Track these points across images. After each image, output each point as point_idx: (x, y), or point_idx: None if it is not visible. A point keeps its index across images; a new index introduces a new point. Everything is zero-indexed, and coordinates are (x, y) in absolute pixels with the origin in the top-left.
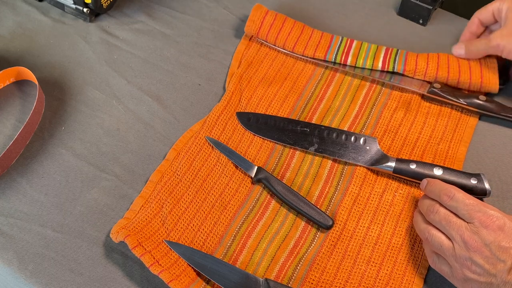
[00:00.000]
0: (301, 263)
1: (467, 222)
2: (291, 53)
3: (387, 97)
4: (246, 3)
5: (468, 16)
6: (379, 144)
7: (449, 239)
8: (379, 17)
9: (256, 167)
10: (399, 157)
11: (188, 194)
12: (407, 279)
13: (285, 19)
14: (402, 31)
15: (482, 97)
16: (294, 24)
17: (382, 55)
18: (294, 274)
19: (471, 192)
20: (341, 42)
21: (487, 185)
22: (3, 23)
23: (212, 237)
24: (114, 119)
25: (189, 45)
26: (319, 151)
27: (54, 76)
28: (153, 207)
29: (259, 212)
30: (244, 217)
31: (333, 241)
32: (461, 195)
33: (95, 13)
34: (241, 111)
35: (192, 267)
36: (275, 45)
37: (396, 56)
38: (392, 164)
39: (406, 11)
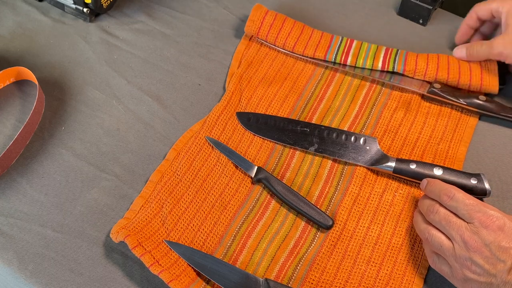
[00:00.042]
0: (301, 263)
1: (467, 222)
2: (291, 53)
3: (387, 97)
4: (246, 3)
5: None
6: (379, 144)
7: (449, 239)
8: (379, 17)
9: (256, 167)
10: (399, 157)
11: (188, 194)
12: (407, 279)
13: (285, 19)
14: (402, 31)
15: (482, 97)
16: (294, 24)
17: (382, 55)
18: (294, 274)
19: (471, 192)
20: (341, 42)
21: (487, 185)
22: (3, 23)
23: (212, 237)
24: (114, 119)
25: (189, 45)
26: (319, 151)
27: (54, 76)
28: (153, 207)
29: (259, 212)
30: (244, 217)
31: (333, 241)
32: (461, 195)
33: (95, 13)
34: (241, 111)
35: (192, 267)
36: (275, 45)
37: (396, 56)
38: (392, 164)
39: (406, 11)
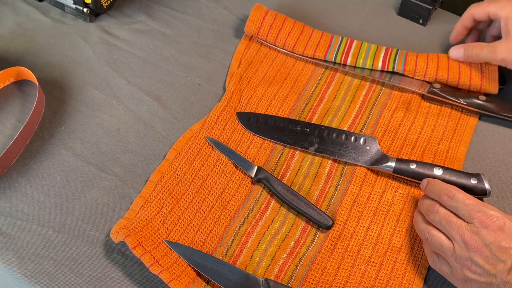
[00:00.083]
0: (301, 263)
1: (467, 222)
2: (291, 53)
3: (387, 97)
4: (246, 3)
5: None
6: (379, 144)
7: (449, 239)
8: (379, 17)
9: (256, 167)
10: (399, 157)
11: (188, 194)
12: (407, 279)
13: (285, 19)
14: (402, 31)
15: (482, 97)
16: (294, 24)
17: (382, 55)
18: (294, 274)
19: (471, 192)
20: (341, 42)
21: (487, 185)
22: (3, 23)
23: (212, 237)
24: (114, 119)
25: (189, 45)
26: (319, 151)
27: (54, 76)
28: (153, 207)
29: (259, 212)
30: (244, 217)
31: (333, 241)
32: (461, 195)
33: (95, 13)
34: (241, 111)
35: (192, 267)
36: (275, 45)
37: (396, 56)
38: (392, 164)
39: (406, 11)
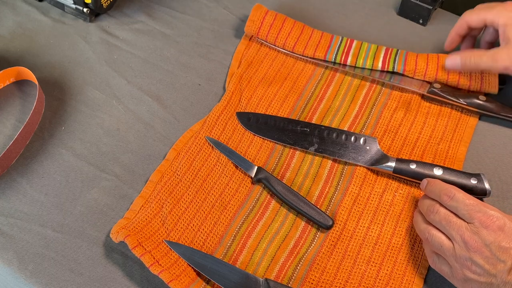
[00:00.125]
0: (301, 263)
1: (467, 222)
2: (291, 53)
3: (387, 97)
4: (246, 3)
5: None
6: (379, 144)
7: (449, 239)
8: (379, 17)
9: (256, 167)
10: (399, 157)
11: (188, 194)
12: (407, 279)
13: (285, 19)
14: (402, 31)
15: (482, 97)
16: (294, 24)
17: (382, 55)
18: (294, 274)
19: (471, 192)
20: (341, 42)
21: (487, 185)
22: (3, 23)
23: (212, 237)
24: (114, 119)
25: (189, 45)
26: (319, 151)
27: (54, 76)
28: (153, 207)
29: (259, 212)
30: (244, 217)
31: (333, 241)
32: (461, 195)
33: (95, 13)
34: (241, 111)
35: (192, 267)
36: (275, 45)
37: (396, 56)
38: (392, 164)
39: (406, 11)
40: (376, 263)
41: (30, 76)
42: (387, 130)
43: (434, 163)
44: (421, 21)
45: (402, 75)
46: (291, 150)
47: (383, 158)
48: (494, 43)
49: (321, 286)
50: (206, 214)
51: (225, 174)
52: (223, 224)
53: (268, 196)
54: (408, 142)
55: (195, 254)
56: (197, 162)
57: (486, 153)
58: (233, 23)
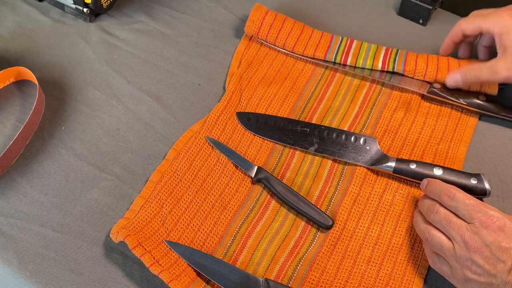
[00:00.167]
0: (301, 263)
1: (468, 223)
2: (291, 53)
3: (387, 97)
4: (246, 3)
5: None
6: (379, 144)
7: (449, 239)
8: (379, 17)
9: (256, 167)
10: (399, 157)
11: (188, 194)
12: (407, 279)
13: (285, 19)
14: (402, 31)
15: (482, 97)
16: (294, 24)
17: (382, 55)
18: (294, 274)
19: (471, 192)
20: (341, 42)
21: (487, 185)
22: (3, 23)
23: (212, 237)
24: (114, 119)
25: (189, 45)
26: (319, 151)
27: (54, 76)
28: (153, 207)
29: (259, 212)
30: (244, 217)
31: (333, 241)
32: (461, 195)
33: (95, 13)
34: (241, 111)
35: (192, 267)
36: (275, 45)
37: (396, 56)
38: (392, 164)
39: (406, 11)
40: (376, 263)
41: (30, 76)
42: (387, 130)
43: (434, 163)
44: (421, 21)
45: (402, 75)
46: (291, 150)
47: (383, 158)
48: (491, 47)
49: (321, 286)
50: (206, 214)
51: (225, 174)
52: (223, 224)
53: (268, 196)
54: (408, 142)
55: (195, 254)
56: (197, 162)
57: (486, 153)
58: (233, 23)
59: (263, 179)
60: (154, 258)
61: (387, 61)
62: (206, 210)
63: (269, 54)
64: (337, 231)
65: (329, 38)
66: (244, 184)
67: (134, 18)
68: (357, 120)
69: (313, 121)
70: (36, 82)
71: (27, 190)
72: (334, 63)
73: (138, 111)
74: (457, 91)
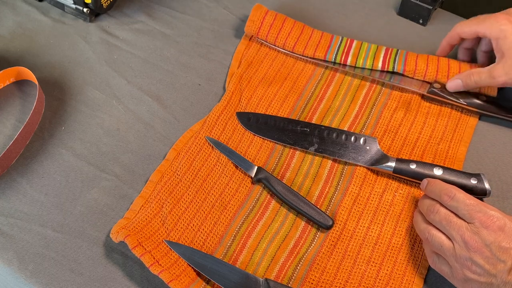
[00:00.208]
0: (301, 263)
1: (468, 222)
2: (291, 53)
3: (387, 97)
4: (246, 3)
5: (468, 16)
6: (379, 144)
7: (450, 239)
8: (379, 17)
9: (256, 167)
10: (399, 157)
11: (188, 194)
12: (407, 279)
13: (285, 19)
14: (402, 31)
15: (482, 97)
16: (294, 24)
17: (382, 55)
18: (294, 274)
19: (471, 192)
20: (341, 42)
21: (487, 185)
22: (3, 23)
23: (212, 237)
24: (114, 119)
25: (189, 45)
26: (319, 151)
27: (54, 76)
28: (153, 207)
29: (259, 212)
30: (244, 217)
31: (333, 241)
32: (461, 195)
33: (95, 13)
34: (241, 111)
35: (192, 267)
36: (275, 45)
37: (396, 56)
38: (392, 164)
39: (406, 11)
40: (376, 263)
41: (30, 76)
42: (387, 130)
43: (434, 163)
44: (421, 21)
45: (402, 75)
46: (291, 150)
47: (383, 158)
48: (490, 52)
49: (321, 286)
50: (206, 214)
51: (225, 174)
52: (223, 224)
53: (268, 196)
54: (408, 142)
55: (195, 254)
56: (197, 162)
57: (486, 153)
58: (233, 23)
59: (263, 179)
60: (154, 258)
61: (387, 61)
62: (206, 210)
63: (269, 54)
64: (337, 231)
65: (329, 38)
66: (244, 184)
67: (134, 18)
68: (357, 120)
69: (313, 121)
70: (36, 82)
71: (27, 190)
72: (334, 63)
73: (138, 111)
74: (457, 91)
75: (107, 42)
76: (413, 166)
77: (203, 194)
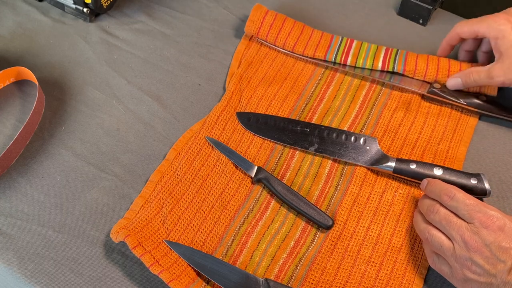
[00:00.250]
0: (301, 263)
1: (468, 222)
2: (291, 53)
3: (387, 97)
4: (246, 3)
5: (468, 16)
6: (379, 144)
7: (449, 239)
8: (379, 17)
9: (256, 167)
10: (399, 157)
11: (188, 194)
12: (407, 279)
13: (285, 19)
14: (402, 31)
15: (482, 97)
16: (294, 24)
17: (382, 55)
18: (294, 274)
19: (471, 192)
20: (341, 42)
21: (487, 185)
22: (3, 23)
23: (212, 237)
24: (114, 119)
25: (189, 45)
26: (319, 151)
27: (54, 76)
28: (153, 207)
29: (259, 212)
30: (244, 217)
31: (333, 241)
32: (461, 195)
33: (95, 13)
34: (241, 111)
35: (192, 267)
36: (275, 45)
37: (396, 56)
38: (392, 164)
39: (406, 11)
40: (376, 263)
41: (30, 76)
42: (387, 130)
43: (434, 163)
44: (421, 21)
45: (402, 75)
46: (291, 150)
47: (383, 158)
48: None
49: (321, 286)
50: (206, 214)
51: (225, 174)
52: (223, 224)
53: (268, 196)
54: (408, 142)
55: (195, 254)
56: (197, 162)
57: (486, 153)
58: (233, 23)
59: (263, 179)
60: (154, 258)
61: (387, 61)
62: (206, 210)
63: (269, 54)
64: (337, 231)
65: (329, 38)
66: (244, 184)
67: (134, 18)
68: (357, 120)
69: (313, 121)
70: (36, 82)
71: (27, 190)
72: (334, 63)
73: (138, 111)
74: (457, 91)
75: (107, 42)
76: (413, 166)
77: (203, 194)
